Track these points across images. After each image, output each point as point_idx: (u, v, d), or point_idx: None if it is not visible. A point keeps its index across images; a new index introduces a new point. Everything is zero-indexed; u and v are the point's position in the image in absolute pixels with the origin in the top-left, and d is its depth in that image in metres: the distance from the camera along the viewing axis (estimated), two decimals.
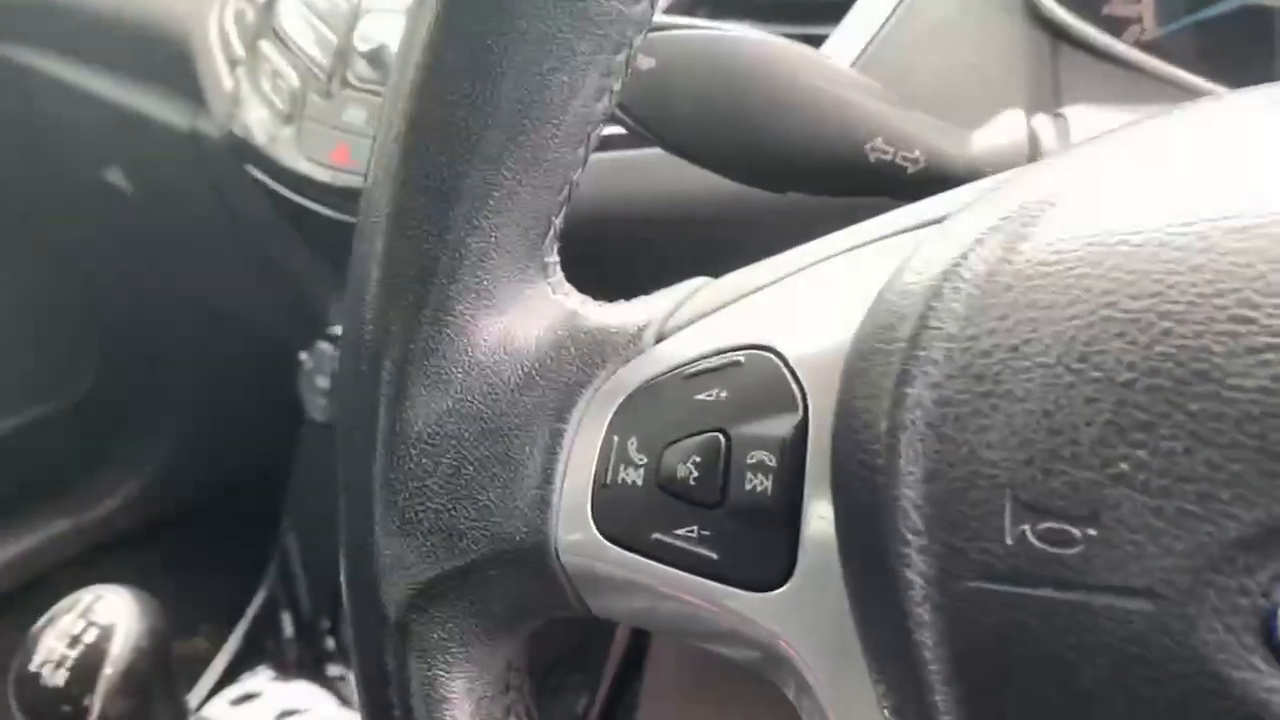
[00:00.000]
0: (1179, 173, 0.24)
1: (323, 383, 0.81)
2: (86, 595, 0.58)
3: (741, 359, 0.29)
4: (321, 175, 0.66)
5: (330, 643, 0.90)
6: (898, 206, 0.33)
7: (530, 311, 0.32)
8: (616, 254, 0.54)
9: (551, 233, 0.33)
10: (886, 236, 0.30)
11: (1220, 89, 0.56)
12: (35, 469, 1.36)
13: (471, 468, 0.31)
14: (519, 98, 0.30)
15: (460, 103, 0.30)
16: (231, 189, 0.85)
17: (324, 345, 0.81)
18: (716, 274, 0.34)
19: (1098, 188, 0.25)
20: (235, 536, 1.33)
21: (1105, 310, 0.22)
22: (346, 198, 0.66)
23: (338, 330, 0.82)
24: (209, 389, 1.44)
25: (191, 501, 1.47)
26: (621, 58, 0.31)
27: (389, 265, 0.31)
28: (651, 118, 0.42)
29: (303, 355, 0.83)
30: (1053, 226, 0.24)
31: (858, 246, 0.31)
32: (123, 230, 1.24)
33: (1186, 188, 0.24)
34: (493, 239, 0.31)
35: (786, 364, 0.28)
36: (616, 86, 0.31)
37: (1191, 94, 0.56)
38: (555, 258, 0.33)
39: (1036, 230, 0.24)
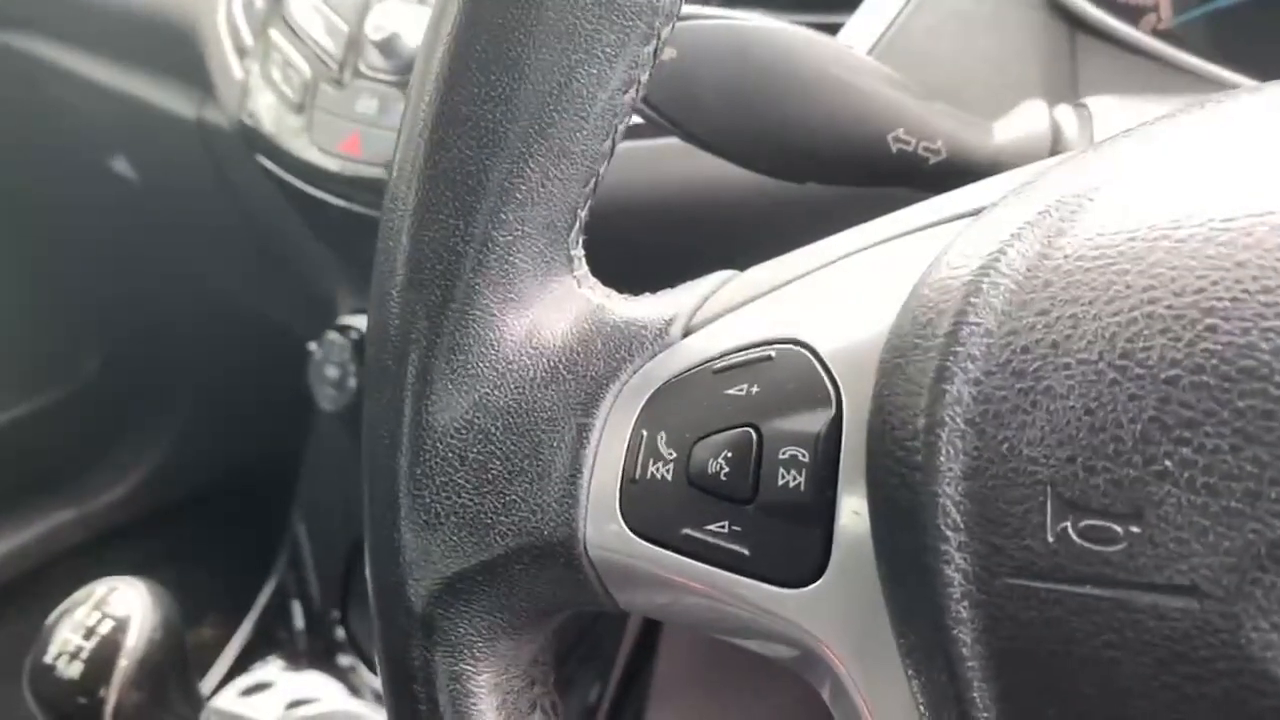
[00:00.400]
0: (1220, 167, 0.24)
1: (332, 373, 0.80)
2: (100, 587, 0.58)
3: (772, 353, 0.29)
4: (332, 165, 0.66)
5: (340, 633, 0.90)
6: (919, 198, 0.32)
7: (556, 305, 0.32)
8: (636, 244, 0.53)
9: (577, 226, 0.32)
10: (920, 229, 0.30)
11: (1238, 78, 0.55)
12: (41, 457, 1.36)
13: (498, 462, 0.31)
14: (545, 90, 0.30)
15: (485, 96, 0.30)
16: (239, 178, 0.84)
17: (333, 335, 0.81)
18: (738, 265, 0.34)
19: (1137, 182, 0.25)
20: (241, 525, 1.33)
21: (1148, 306, 0.22)
22: (357, 188, 0.66)
23: (347, 320, 0.82)
24: (216, 377, 1.44)
25: (197, 490, 1.47)
26: (649, 49, 0.31)
27: (414, 259, 0.31)
28: (672, 108, 0.42)
29: (312, 346, 0.82)
30: (1092, 221, 0.24)
31: (890, 239, 0.30)
32: (130, 218, 1.24)
33: (1228, 182, 0.23)
34: (518, 232, 0.31)
35: (819, 358, 0.28)
36: (644, 78, 0.31)
37: (1209, 84, 0.55)
38: (581, 251, 0.33)
39: (1076, 224, 0.24)
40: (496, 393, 0.31)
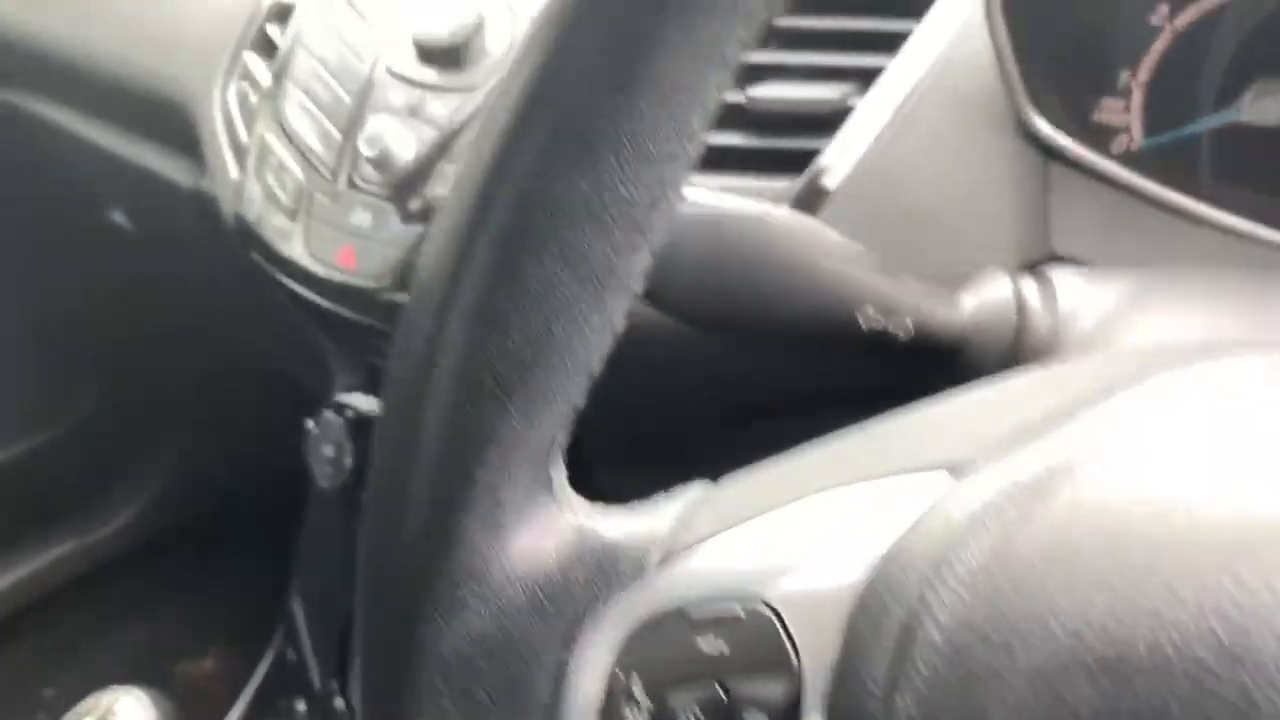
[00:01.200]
0: (1180, 489, 0.25)
1: (329, 451, 0.82)
2: (106, 697, 0.60)
3: (741, 614, 0.31)
4: (326, 274, 0.67)
5: (340, 703, 0.92)
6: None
7: (539, 530, 0.34)
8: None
9: (556, 449, 0.34)
10: (894, 473, 0.31)
11: (1207, 210, 0.57)
12: (40, 492, 1.38)
13: (483, 693, 0.33)
14: (524, 348, 0.31)
15: (468, 351, 0.31)
16: (236, 256, 0.85)
17: (329, 415, 0.82)
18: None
19: (1092, 485, 0.26)
20: (242, 555, 1.35)
21: (1079, 653, 0.23)
22: (350, 297, 0.67)
23: (343, 398, 0.83)
24: (214, 406, 1.45)
25: (198, 520, 1.48)
26: (623, 305, 0.32)
27: (401, 501, 0.33)
28: (650, 286, 0.43)
29: (309, 423, 0.84)
30: (1047, 527, 0.26)
31: (863, 479, 0.32)
32: (126, 264, 1.25)
33: (1182, 505, 0.25)
34: (501, 471, 0.33)
35: (783, 623, 0.30)
36: (620, 327, 0.33)
37: (1181, 215, 0.57)
38: (561, 470, 0.35)
39: (1030, 527, 0.26)
40: (481, 622, 0.33)
